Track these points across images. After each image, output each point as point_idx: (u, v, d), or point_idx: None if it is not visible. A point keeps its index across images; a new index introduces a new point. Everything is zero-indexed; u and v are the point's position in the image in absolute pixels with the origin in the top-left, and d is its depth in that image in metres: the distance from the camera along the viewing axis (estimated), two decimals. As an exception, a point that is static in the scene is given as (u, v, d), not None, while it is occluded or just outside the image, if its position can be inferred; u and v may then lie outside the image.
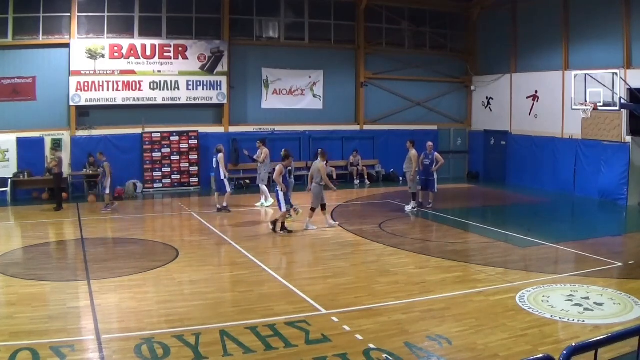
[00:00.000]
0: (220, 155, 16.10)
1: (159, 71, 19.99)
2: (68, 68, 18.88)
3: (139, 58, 19.69)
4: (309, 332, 7.37)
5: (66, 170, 18.67)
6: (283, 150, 14.65)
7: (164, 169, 20.08)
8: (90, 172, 18.70)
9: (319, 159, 14.15)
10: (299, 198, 16.09)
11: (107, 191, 16.28)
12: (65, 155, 18.75)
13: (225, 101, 20.93)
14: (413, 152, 16.17)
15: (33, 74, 18.55)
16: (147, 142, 19.87)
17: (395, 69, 23.25)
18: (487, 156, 23.62)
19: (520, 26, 21.85)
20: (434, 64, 23.79)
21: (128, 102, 19.70)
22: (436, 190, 16.72)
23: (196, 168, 20.44)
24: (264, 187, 16.98)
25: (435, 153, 16.60)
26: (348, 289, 9.34)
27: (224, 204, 16.17)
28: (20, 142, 18.27)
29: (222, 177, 16.07)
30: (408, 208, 16.25)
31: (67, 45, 18.82)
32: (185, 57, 20.27)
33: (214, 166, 16.32)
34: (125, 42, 19.53)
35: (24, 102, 18.46)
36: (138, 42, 19.68)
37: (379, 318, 7.91)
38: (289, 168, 14.49)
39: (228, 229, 14.14)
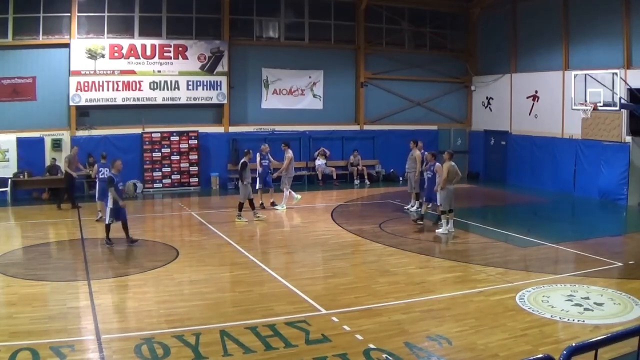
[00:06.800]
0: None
1: (159, 71, 19.98)
2: (68, 68, 18.87)
3: (139, 58, 19.68)
4: (309, 332, 7.37)
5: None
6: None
7: (164, 169, 20.07)
8: (91, 172, 18.67)
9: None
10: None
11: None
12: (65, 155, 18.75)
13: (225, 101, 20.92)
14: (417, 152, 16.13)
15: (33, 74, 18.54)
16: (147, 142, 19.86)
17: (395, 69, 23.24)
18: (487, 156, 23.62)
19: (520, 26, 21.85)
20: (434, 64, 23.78)
21: (128, 102, 19.69)
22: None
23: (196, 168, 20.42)
24: (287, 192, 16.79)
25: (426, 153, 16.56)
26: (348, 289, 9.34)
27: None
28: (20, 142, 18.26)
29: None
30: (413, 208, 16.14)
31: (67, 45, 18.81)
32: (185, 57, 20.26)
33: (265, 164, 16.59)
34: (125, 42, 19.52)
35: (24, 102, 18.45)
36: (138, 42, 19.68)
37: (379, 318, 7.91)
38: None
39: (228, 229, 14.13)
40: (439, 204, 14.07)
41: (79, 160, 17.19)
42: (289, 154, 16.81)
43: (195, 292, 9.17)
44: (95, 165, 15.38)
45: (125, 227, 12.17)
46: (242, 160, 15.01)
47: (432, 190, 14.12)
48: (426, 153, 15.14)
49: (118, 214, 12.03)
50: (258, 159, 16.58)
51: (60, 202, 16.66)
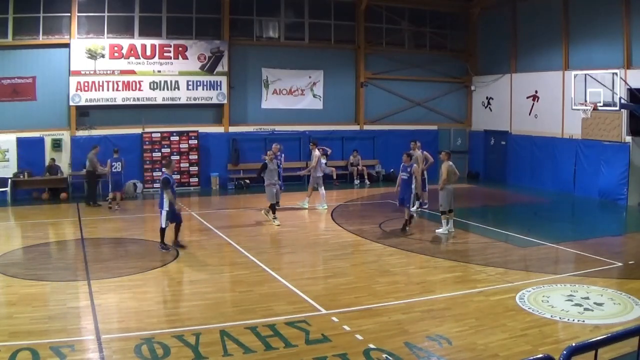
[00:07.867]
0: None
1: (159, 71, 19.98)
2: (68, 68, 18.87)
3: (139, 58, 19.68)
4: (309, 332, 7.37)
5: (66, 170, 18.72)
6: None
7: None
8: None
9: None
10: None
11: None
12: (65, 155, 18.81)
13: (225, 101, 20.92)
14: (418, 152, 16.12)
15: (33, 74, 18.54)
16: (147, 142, 19.86)
17: (395, 69, 23.24)
18: (487, 156, 23.62)
19: (520, 26, 21.85)
20: (434, 64, 23.78)
21: (128, 102, 19.69)
22: (426, 190, 16.56)
23: (196, 168, 20.43)
24: (322, 191, 16.71)
25: (425, 152, 16.58)
26: (348, 289, 9.34)
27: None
28: (20, 142, 18.26)
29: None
30: (413, 208, 16.11)
31: (67, 45, 18.81)
32: (185, 57, 20.26)
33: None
34: (125, 42, 19.52)
35: (24, 102, 18.45)
36: (138, 42, 19.67)
37: (379, 318, 7.91)
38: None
39: (228, 229, 14.13)
40: (410, 205, 13.84)
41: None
42: (316, 152, 16.90)
43: (195, 292, 9.18)
44: (108, 161, 16.57)
45: (178, 229, 11.89)
46: (263, 162, 14.89)
47: (405, 193, 13.64)
48: (405, 154, 14.98)
49: (174, 216, 11.66)
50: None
51: (94, 200, 17.10)
